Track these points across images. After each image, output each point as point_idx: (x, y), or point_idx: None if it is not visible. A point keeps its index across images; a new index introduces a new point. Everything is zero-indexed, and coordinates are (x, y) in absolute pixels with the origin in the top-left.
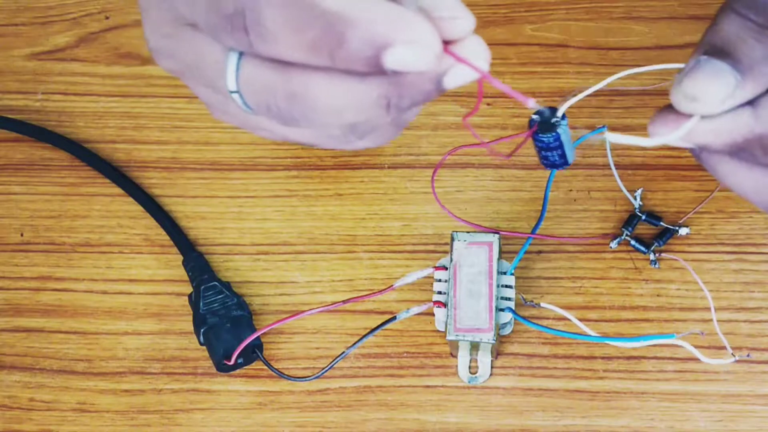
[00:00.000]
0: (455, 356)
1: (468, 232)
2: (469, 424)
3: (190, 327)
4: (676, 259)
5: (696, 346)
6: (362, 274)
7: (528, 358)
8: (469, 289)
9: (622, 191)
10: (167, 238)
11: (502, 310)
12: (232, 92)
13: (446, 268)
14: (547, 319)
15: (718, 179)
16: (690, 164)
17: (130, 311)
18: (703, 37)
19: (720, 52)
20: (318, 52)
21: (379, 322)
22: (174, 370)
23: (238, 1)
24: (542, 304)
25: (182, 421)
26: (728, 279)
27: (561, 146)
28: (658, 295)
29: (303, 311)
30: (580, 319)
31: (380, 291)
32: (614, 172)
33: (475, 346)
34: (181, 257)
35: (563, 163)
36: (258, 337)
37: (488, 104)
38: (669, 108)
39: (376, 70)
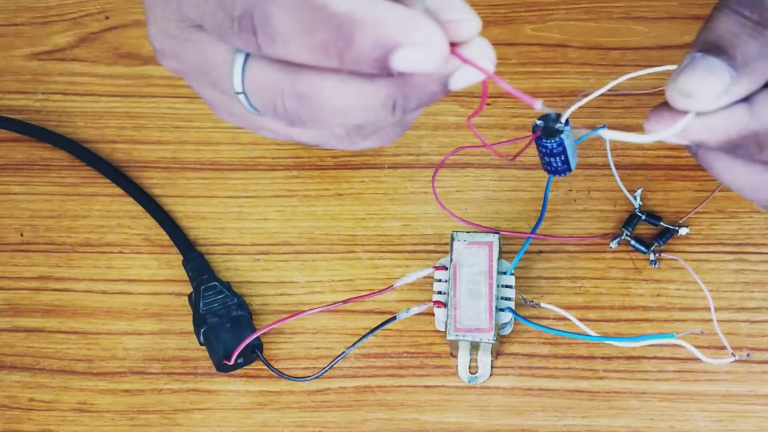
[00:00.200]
0: (455, 356)
1: (468, 232)
2: (469, 424)
3: (190, 327)
4: (676, 259)
5: (696, 346)
6: (362, 274)
7: (528, 358)
8: (469, 289)
9: (622, 191)
10: (167, 238)
11: (502, 310)
12: (238, 93)
13: (446, 268)
14: (547, 319)
15: (715, 176)
16: (690, 164)
17: (130, 311)
18: (698, 35)
19: (715, 49)
20: (326, 53)
21: (379, 322)
22: (174, 370)
23: (246, 3)
24: (542, 304)
25: (182, 421)
26: (728, 279)
27: (564, 152)
28: (658, 295)
29: (303, 311)
30: (580, 319)
31: (380, 291)
32: (614, 172)
33: (475, 346)
34: (181, 257)
35: (566, 169)
36: (258, 337)
37: (488, 104)
38: (665, 105)
39: (383, 71)
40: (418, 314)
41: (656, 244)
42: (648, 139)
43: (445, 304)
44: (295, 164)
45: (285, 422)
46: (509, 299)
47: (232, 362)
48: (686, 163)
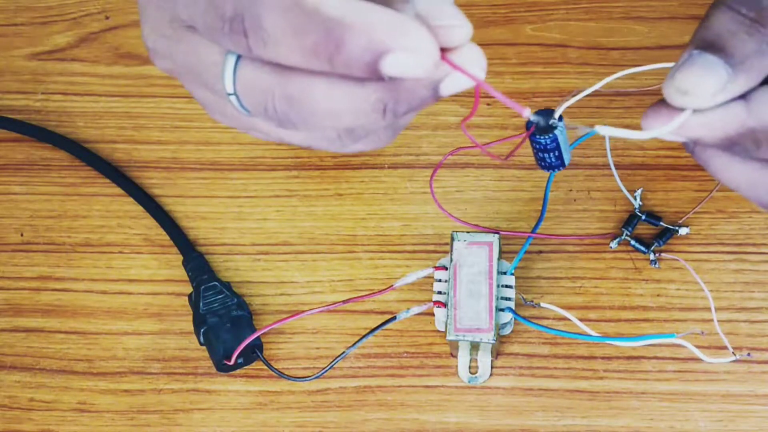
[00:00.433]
0: (455, 356)
1: (468, 232)
2: (469, 424)
3: (190, 327)
4: (676, 259)
5: (696, 346)
6: (362, 274)
7: (528, 358)
8: (469, 289)
9: (622, 191)
10: (167, 238)
11: (502, 310)
12: (229, 94)
13: (446, 268)
14: (547, 319)
15: (712, 174)
16: (690, 164)
17: (130, 311)
18: (695, 32)
19: (712, 46)
20: (317, 56)
21: (379, 322)
22: (174, 370)
23: (237, 4)
24: (542, 304)
25: (182, 421)
26: (728, 279)
27: (558, 148)
28: (658, 295)
29: (303, 311)
30: (580, 319)
31: (380, 291)
32: (614, 172)
33: (475, 346)
34: (181, 257)
35: (560, 164)
36: (258, 337)
37: (488, 104)
38: (662, 102)
39: (373, 75)
40: (418, 314)
41: (656, 244)
42: (645, 136)
43: (445, 304)
44: (295, 164)
45: (285, 422)
46: (509, 299)
47: (232, 362)
48: (686, 163)
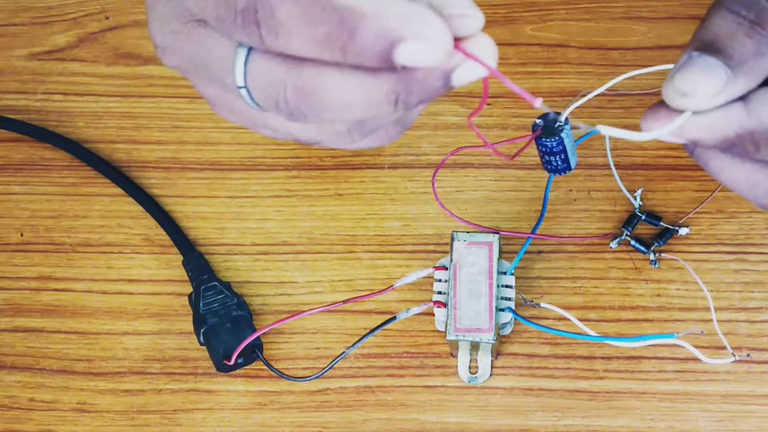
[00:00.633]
0: (455, 356)
1: (468, 232)
2: (469, 424)
3: (190, 327)
4: (676, 259)
5: (696, 346)
6: (362, 274)
7: (528, 358)
8: (469, 289)
9: (622, 191)
10: (167, 238)
11: (502, 310)
12: (239, 88)
13: (446, 268)
14: (547, 319)
15: (712, 175)
16: (690, 164)
17: (130, 311)
18: (694, 34)
19: (711, 48)
20: (330, 46)
21: (379, 322)
22: (174, 370)
23: None
24: (542, 304)
25: (182, 421)
26: (728, 279)
27: (564, 150)
28: (658, 295)
29: (303, 311)
30: (580, 319)
31: (380, 291)
32: (614, 172)
33: (475, 346)
34: (181, 257)
35: (566, 167)
36: (258, 337)
37: (488, 104)
38: (662, 103)
39: (386, 65)
40: (418, 314)
41: (656, 244)
42: (645, 137)
43: (445, 304)
44: (295, 164)
45: (285, 422)
46: (509, 299)
47: (232, 362)
48: (686, 163)
